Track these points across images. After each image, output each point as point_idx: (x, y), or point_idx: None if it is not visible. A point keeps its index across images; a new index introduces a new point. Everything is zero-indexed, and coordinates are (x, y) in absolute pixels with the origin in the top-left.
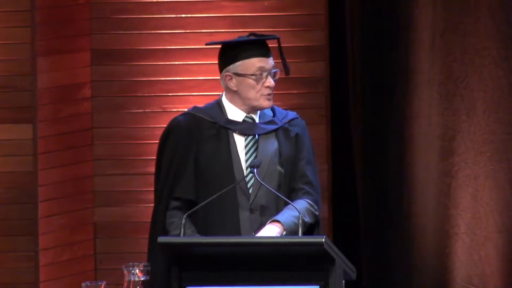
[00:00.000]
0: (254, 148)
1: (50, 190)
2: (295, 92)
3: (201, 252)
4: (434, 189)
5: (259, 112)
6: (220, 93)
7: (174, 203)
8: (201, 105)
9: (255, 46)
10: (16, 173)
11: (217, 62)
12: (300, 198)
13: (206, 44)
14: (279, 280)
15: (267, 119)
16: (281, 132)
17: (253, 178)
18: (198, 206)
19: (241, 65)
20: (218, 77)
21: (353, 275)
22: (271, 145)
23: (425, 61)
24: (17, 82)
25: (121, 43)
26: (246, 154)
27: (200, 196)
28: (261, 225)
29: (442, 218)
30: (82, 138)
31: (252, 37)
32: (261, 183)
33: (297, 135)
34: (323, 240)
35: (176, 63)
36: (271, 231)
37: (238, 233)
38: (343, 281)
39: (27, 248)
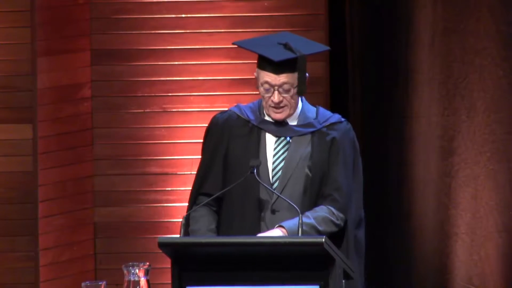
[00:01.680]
0: (284, 149)
1: (50, 190)
2: None
3: (201, 252)
4: (434, 189)
5: (299, 113)
6: (218, 93)
7: (202, 198)
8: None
9: (269, 59)
10: (16, 173)
11: (216, 62)
12: (324, 204)
13: (233, 44)
14: (279, 280)
15: (305, 121)
16: (317, 135)
17: (278, 179)
18: (202, 203)
19: (257, 72)
20: (218, 77)
21: (353, 275)
22: (303, 148)
23: (425, 61)
24: (17, 82)
25: (121, 43)
26: (274, 155)
27: (225, 192)
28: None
29: (442, 218)
30: (82, 138)
31: (278, 47)
32: (263, 185)
33: (333, 139)
34: (323, 240)
35: (176, 63)
36: (273, 234)
37: (258, 233)
38: (343, 281)
39: (27, 248)
